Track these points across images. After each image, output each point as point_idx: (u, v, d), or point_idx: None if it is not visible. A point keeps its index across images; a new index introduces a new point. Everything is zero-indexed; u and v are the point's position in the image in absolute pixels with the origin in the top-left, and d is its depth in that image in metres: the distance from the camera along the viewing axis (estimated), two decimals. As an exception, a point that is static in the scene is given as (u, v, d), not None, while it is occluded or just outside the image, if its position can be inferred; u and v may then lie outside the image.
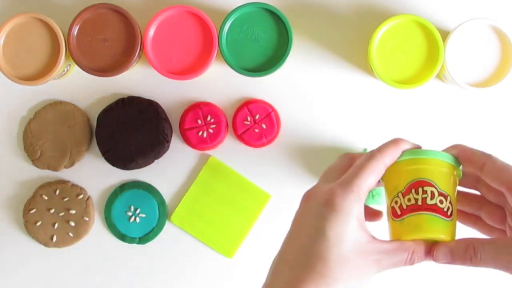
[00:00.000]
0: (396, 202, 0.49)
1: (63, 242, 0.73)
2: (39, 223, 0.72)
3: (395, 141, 0.50)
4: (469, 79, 0.67)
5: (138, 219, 0.73)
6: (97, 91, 0.72)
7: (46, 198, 0.72)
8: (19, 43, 0.66)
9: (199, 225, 0.73)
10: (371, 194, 0.68)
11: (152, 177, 0.73)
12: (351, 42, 0.71)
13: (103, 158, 0.72)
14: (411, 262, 0.48)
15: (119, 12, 0.66)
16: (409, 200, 0.49)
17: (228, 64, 0.67)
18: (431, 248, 0.49)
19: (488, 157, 0.50)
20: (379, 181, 0.50)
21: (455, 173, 0.51)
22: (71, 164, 0.72)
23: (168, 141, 0.72)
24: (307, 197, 0.49)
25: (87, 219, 0.73)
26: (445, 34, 0.68)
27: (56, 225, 0.72)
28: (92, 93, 0.72)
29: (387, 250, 0.48)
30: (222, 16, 0.66)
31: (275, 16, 0.66)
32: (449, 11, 0.71)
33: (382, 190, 0.68)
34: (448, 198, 0.49)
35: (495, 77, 0.67)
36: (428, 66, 0.67)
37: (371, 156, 0.49)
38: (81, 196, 0.73)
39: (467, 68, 0.67)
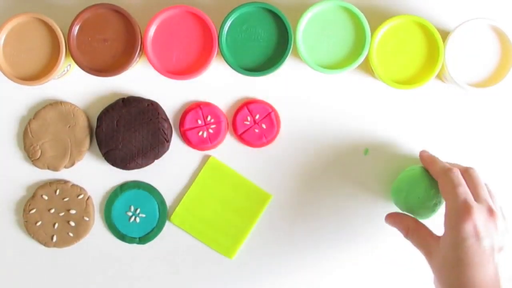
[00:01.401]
0: None
1: (63, 242, 0.73)
2: (39, 223, 0.72)
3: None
4: (469, 79, 0.67)
5: (138, 219, 0.73)
6: (97, 91, 0.72)
7: (46, 198, 0.72)
8: (19, 43, 0.66)
9: (199, 225, 0.73)
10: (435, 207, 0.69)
11: (152, 177, 0.73)
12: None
13: (103, 158, 0.72)
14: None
15: (119, 12, 0.66)
16: None
17: (228, 64, 0.67)
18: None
19: None
20: None
21: None
22: (71, 164, 0.72)
23: (168, 141, 0.72)
24: None
25: (87, 219, 0.73)
26: (445, 34, 0.68)
27: (56, 225, 0.72)
28: (92, 93, 0.72)
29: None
30: (222, 16, 0.67)
31: (275, 16, 0.66)
32: (449, 11, 0.71)
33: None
34: None
35: (495, 77, 0.67)
36: (428, 67, 0.67)
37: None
38: (81, 196, 0.73)
39: (467, 68, 0.67)
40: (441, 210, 0.66)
